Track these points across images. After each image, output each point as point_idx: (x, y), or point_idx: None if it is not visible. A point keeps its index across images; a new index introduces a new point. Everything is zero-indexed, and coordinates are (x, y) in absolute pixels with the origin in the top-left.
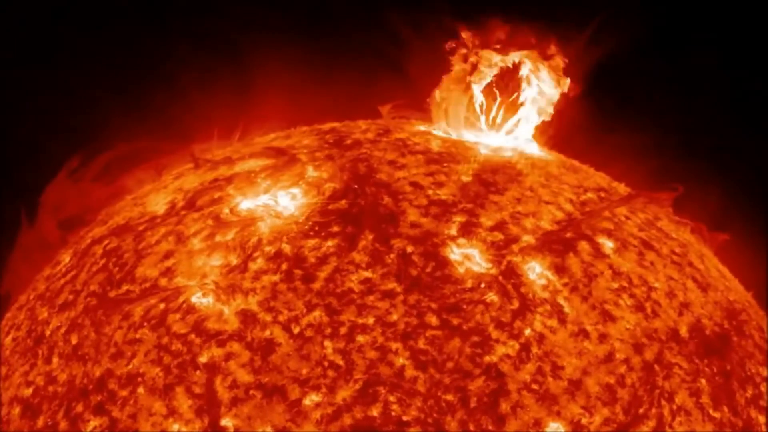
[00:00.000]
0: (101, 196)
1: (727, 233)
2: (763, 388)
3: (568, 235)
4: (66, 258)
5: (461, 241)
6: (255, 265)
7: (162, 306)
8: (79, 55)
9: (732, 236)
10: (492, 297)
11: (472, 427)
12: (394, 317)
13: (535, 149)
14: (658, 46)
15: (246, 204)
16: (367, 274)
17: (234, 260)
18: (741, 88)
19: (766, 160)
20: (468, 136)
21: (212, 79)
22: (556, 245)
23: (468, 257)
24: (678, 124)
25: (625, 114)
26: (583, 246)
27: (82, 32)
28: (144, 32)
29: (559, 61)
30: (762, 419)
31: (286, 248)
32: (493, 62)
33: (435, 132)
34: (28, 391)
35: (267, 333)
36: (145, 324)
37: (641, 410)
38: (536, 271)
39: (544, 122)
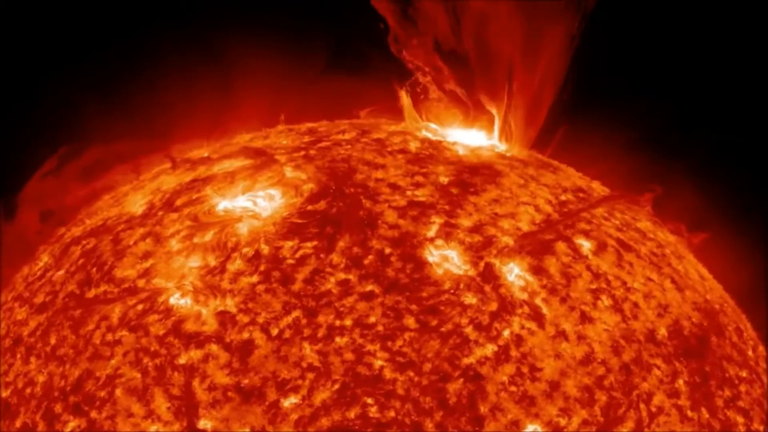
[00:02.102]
0: (80, 196)
1: (706, 233)
2: (741, 389)
3: (547, 236)
4: (44, 258)
5: (439, 242)
6: (233, 267)
7: (140, 307)
8: (57, 55)
9: (711, 236)
10: (470, 299)
11: (450, 429)
12: (373, 319)
13: (513, 149)
14: (637, 45)
15: (224, 205)
16: (346, 275)
17: (212, 262)
18: (720, 87)
19: (745, 160)
20: (447, 136)
21: (191, 78)
22: (535, 246)
23: (446, 259)
24: (657, 123)
25: (604, 114)
26: (562, 247)
27: (62, 31)
28: (123, 32)
29: None
30: (740, 420)
31: (265, 249)
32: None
33: (414, 132)
34: (7, 393)
35: (245, 335)
36: (124, 325)
37: (619, 412)
38: (514, 273)
39: (522, 122)
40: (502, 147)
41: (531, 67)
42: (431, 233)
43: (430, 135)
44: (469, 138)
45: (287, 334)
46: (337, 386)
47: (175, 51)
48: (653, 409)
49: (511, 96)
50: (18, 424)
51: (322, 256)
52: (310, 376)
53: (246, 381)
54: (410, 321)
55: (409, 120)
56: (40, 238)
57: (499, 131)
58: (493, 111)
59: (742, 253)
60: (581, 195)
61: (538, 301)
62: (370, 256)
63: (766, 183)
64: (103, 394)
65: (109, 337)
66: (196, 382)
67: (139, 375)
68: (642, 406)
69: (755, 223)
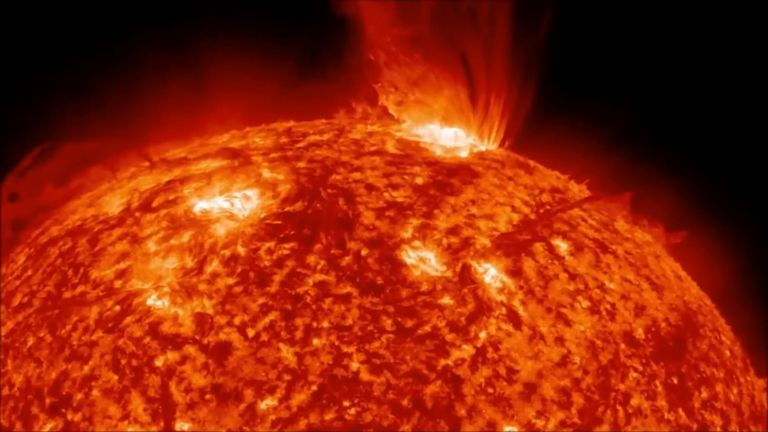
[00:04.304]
0: (56, 195)
1: (683, 233)
2: (718, 389)
3: (524, 237)
4: (21, 258)
5: (417, 243)
6: (210, 268)
7: (117, 308)
8: (33, 55)
9: (688, 236)
10: (447, 300)
11: (427, 431)
12: (350, 321)
13: (490, 149)
14: (614, 45)
15: (201, 205)
16: (323, 277)
17: (189, 263)
18: (698, 87)
19: (722, 160)
20: (424, 136)
21: (167, 79)
22: (512, 248)
23: (423, 260)
24: (635, 124)
25: (582, 114)
26: (539, 248)
27: (37, 31)
28: (99, 32)
29: None
30: (717, 421)
31: (242, 251)
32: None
33: (391, 133)
34: None
35: (222, 336)
36: (101, 327)
37: (596, 413)
38: (492, 274)
39: (500, 122)
40: (479, 147)
41: (509, 67)
42: (408, 235)
43: (407, 135)
44: (447, 138)
45: (264, 336)
46: (314, 388)
47: (151, 51)
48: (630, 410)
49: (490, 96)
50: None
51: (299, 257)
52: (288, 378)
53: (223, 383)
54: (387, 323)
55: (387, 119)
56: (16, 238)
57: (477, 131)
58: (472, 111)
59: (719, 253)
60: (558, 195)
61: (515, 302)
62: (347, 258)
63: (743, 183)
64: (80, 395)
65: (86, 338)
66: (173, 384)
67: (116, 376)
68: (619, 407)
69: (732, 223)
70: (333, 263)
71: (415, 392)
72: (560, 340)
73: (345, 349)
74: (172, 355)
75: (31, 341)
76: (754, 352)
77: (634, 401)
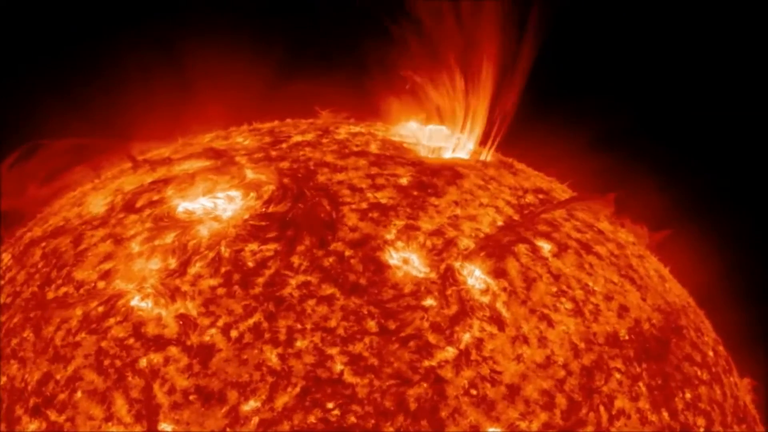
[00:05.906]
0: (39, 195)
1: (666, 234)
2: (701, 391)
3: (507, 238)
4: (5, 259)
5: (400, 245)
6: (194, 269)
7: (101, 309)
8: (16, 54)
9: (672, 237)
10: (431, 302)
11: None
12: (333, 322)
13: (474, 150)
14: (599, 45)
15: (185, 206)
16: (306, 278)
17: (173, 264)
18: (681, 88)
19: (706, 160)
20: (408, 137)
21: (151, 78)
22: (495, 249)
23: (407, 262)
24: (619, 124)
25: (566, 114)
26: (522, 249)
27: (21, 31)
28: (83, 31)
29: None
30: (700, 422)
31: (225, 252)
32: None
33: (375, 133)
34: None
35: (206, 338)
36: (84, 328)
37: (580, 415)
38: (475, 276)
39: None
40: (463, 147)
41: (494, 68)
42: (392, 236)
43: (390, 136)
44: (431, 138)
45: (248, 337)
46: (297, 390)
47: (135, 51)
48: (614, 412)
49: (474, 96)
50: None
51: (282, 258)
52: (271, 379)
53: (206, 384)
54: (371, 324)
55: (373, 119)
56: (1, 238)
57: (461, 131)
58: (455, 111)
59: (703, 253)
60: (542, 196)
61: (498, 304)
62: (331, 259)
63: (727, 183)
64: (63, 396)
65: (70, 339)
66: (156, 385)
67: (99, 377)
68: (603, 408)
69: (716, 222)
70: (316, 264)
71: (399, 394)
72: (543, 342)
73: (328, 350)
74: (155, 357)
75: (14, 342)
76: (737, 352)
77: (618, 402)
